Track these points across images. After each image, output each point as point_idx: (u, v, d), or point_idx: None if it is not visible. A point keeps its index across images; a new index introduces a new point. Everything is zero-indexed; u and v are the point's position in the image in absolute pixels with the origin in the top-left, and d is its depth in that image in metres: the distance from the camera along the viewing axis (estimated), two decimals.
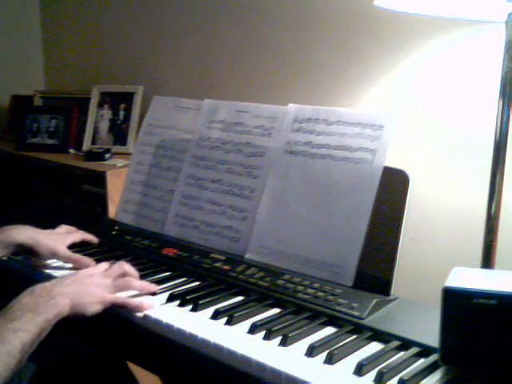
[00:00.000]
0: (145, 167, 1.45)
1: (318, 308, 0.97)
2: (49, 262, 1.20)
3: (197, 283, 1.10)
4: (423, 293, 1.08)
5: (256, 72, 1.78)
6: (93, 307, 0.94)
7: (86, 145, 2.10)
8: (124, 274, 1.03)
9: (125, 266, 1.05)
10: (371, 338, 0.89)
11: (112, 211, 1.63)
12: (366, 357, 0.81)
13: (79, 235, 1.28)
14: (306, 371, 0.78)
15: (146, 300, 1.00)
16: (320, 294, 1.00)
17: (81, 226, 1.43)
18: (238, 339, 0.87)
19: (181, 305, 0.99)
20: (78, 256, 1.19)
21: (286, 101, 1.26)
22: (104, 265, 1.08)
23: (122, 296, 1.00)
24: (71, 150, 2.09)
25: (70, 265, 1.18)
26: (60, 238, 1.22)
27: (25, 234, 1.17)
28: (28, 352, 0.85)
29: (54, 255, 1.17)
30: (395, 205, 1.04)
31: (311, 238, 1.11)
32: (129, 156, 1.76)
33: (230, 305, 0.99)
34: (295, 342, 0.87)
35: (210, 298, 1.01)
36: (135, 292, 1.03)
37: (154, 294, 1.04)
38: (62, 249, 1.18)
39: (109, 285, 0.99)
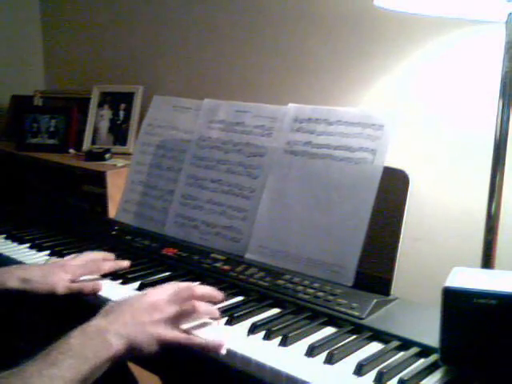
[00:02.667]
0: (145, 167, 1.45)
1: (318, 308, 0.97)
2: None
3: (197, 283, 1.10)
4: (423, 293, 1.08)
5: (256, 72, 1.78)
6: (151, 347, 0.83)
7: (86, 145, 2.10)
8: (194, 298, 0.90)
9: (195, 290, 0.91)
10: (371, 338, 0.89)
11: (112, 211, 1.63)
12: (366, 357, 0.81)
13: (90, 269, 1.11)
14: (305, 371, 0.78)
15: (217, 337, 0.86)
16: (320, 293, 1.00)
17: (81, 226, 1.43)
18: (238, 339, 0.87)
19: None
20: (78, 286, 1.05)
21: (286, 101, 1.26)
22: (172, 286, 0.93)
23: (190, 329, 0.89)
24: (71, 150, 2.09)
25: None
26: (64, 270, 1.07)
27: (15, 275, 1.04)
28: None
29: (52, 294, 1.03)
30: (395, 205, 1.04)
31: (311, 238, 1.11)
32: (129, 156, 1.76)
33: (230, 305, 0.99)
34: (295, 342, 0.87)
35: None
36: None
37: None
38: (62, 286, 1.03)
39: (174, 316, 0.86)
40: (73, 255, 1.17)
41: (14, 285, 1.02)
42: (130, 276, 1.11)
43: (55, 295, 1.03)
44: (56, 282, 1.04)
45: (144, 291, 0.93)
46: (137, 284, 1.08)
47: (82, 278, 1.09)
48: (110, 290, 1.06)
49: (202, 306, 0.90)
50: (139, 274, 1.13)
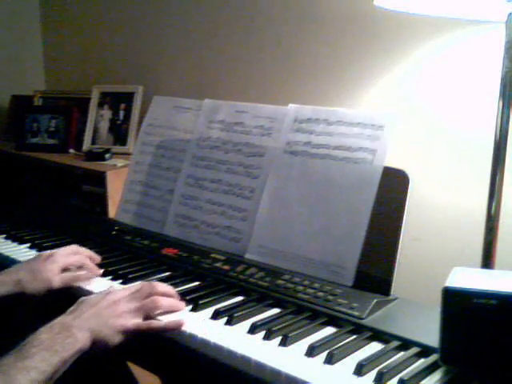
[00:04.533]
0: (145, 167, 1.45)
1: (318, 308, 0.97)
2: None
3: (197, 283, 1.10)
4: (423, 293, 1.08)
5: (256, 72, 1.78)
6: (114, 339, 0.89)
7: (86, 145, 2.10)
8: (155, 295, 0.95)
9: (156, 287, 0.96)
10: (371, 338, 0.89)
11: (112, 211, 1.63)
12: (366, 357, 0.81)
13: (79, 258, 1.14)
14: (305, 371, 0.78)
15: (173, 318, 0.93)
16: (320, 294, 1.00)
17: (81, 225, 1.43)
18: (238, 339, 0.87)
19: None
20: (72, 276, 1.09)
21: (286, 101, 1.27)
22: (134, 286, 0.98)
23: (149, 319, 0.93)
24: (71, 150, 2.09)
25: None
26: (52, 260, 1.09)
27: (6, 280, 1.04)
28: None
29: (49, 290, 1.05)
30: (395, 205, 1.04)
31: (311, 238, 1.11)
32: (129, 156, 1.76)
33: (229, 305, 0.99)
34: (295, 342, 0.87)
35: (210, 298, 1.01)
36: None
37: None
38: (56, 279, 1.06)
39: (134, 309, 0.92)
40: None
41: (9, 289, 1.04)
42: (130, 276, 1.11)
43: (51, 290, 1.06)
44: (49, 277, 1.06)
45: (107, 290, 0.97)
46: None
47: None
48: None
49: (164, 301, 0.95)
50: (140, 274, 1.13)
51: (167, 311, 0.95)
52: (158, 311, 0.94)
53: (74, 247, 1.17)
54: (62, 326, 0.86)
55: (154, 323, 0.92)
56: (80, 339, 0.85)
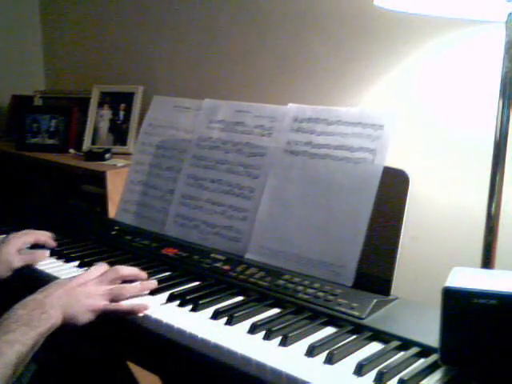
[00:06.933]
0: (145, 167, 1.45)
1: (317, 308, 0.97)
2: None
3: (197, 283, 1.10)
4: (423, 293, 1.08)
5: (256, 72, 1.78)
6: (84, 317, 0.94)
7: (86, 145, 2.10)
8: (120, 278, 1.02)
9: (121, 271, 1.03)
10: (371, 338, 0.89)
11: (112, 211, 1.63)
12: (366, 357, 0.81)
13: (33, 236, 1.22)
14: (305, 371, 0.78)
15: (138, 302, 0.98)
16: (320, 293, 1.00)
17: (81, 225, 1.43)
18: (238, 339, 0.87)
19: (181, 305, 0.99)
20: (29, 255, 1.16)
21: (285, 101, 1.26)
22: (98, 269, 1.04)
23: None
24: (71, 150, 2.09)
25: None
26: (7, 243, 1.15)
27: None
28: (23, 363, 0.85)
29: (11, 270, 1.12)
30: (395, 205, 1.04)
31: (311, 238, 1.11)
32: (129, 156, 1.77)
33: (230, 305, 0.99)
34: (295, 342, 0.87)
35: (210, 298, 1.01)
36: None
37: (154, 292, 1.04)
38: (16, 259, 1.13)
39: (102, 292, 0.98)
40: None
41: None
42: None
43: (14, 270, 1.12)
44: (8, 258, 1.12)
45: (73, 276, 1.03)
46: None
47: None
48: None
49: (132, 288, 1.01)
50: None
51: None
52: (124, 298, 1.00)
53: (26, 230, 1.23)
54: (36, 303, 0.91)
55: (122, 306, 0.97)
56: (53, 315, 0.90)
